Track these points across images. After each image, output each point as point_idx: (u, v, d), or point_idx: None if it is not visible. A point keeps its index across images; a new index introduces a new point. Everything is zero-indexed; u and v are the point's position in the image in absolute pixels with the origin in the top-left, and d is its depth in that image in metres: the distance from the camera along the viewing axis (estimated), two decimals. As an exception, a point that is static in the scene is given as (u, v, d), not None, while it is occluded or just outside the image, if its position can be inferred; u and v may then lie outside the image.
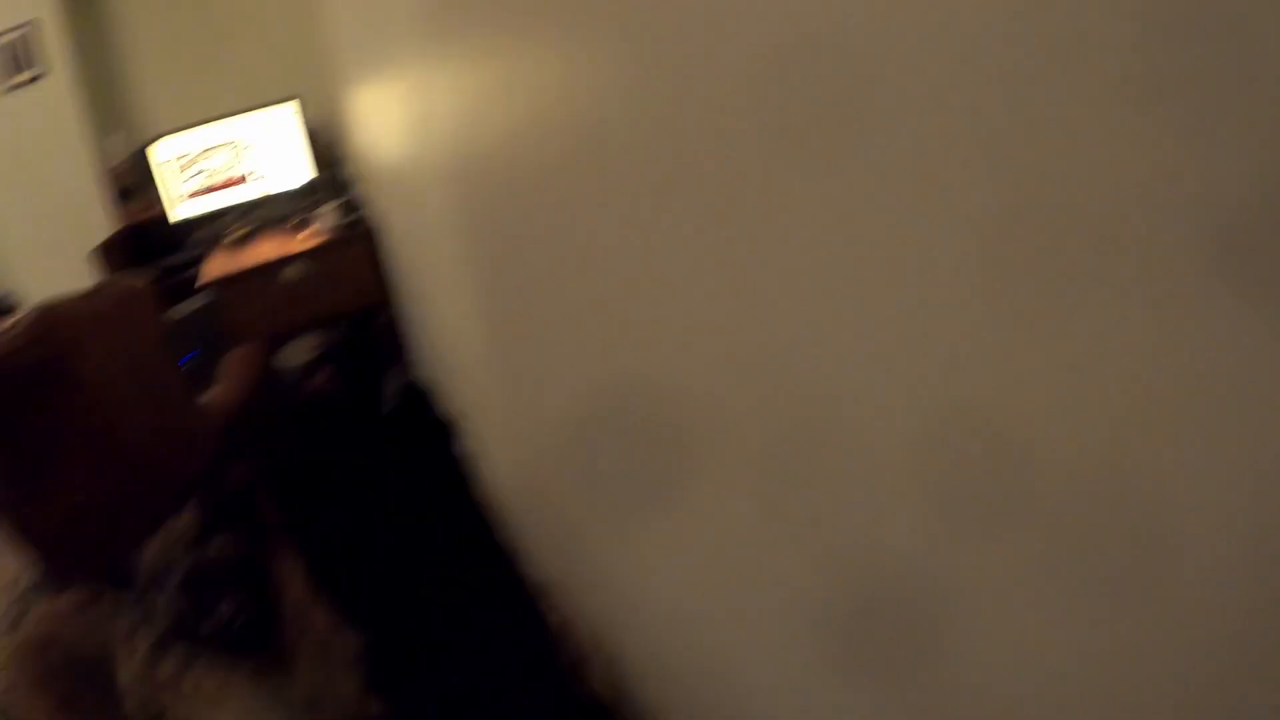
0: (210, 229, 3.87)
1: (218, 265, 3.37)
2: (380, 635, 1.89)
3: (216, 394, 2.69)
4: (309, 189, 3.79)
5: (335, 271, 3.26)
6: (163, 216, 4.26)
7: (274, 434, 3.09)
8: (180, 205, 3.92)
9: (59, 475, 2.25)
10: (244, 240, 3.60)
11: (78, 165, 4.43)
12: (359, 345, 3.67)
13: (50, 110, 4.40)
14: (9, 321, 1.97)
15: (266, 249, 3.40)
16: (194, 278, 3.55)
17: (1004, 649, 0.71)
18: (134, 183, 4.37)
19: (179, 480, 2.37)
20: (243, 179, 3.83)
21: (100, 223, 4.42)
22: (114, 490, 2.27)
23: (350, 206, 3.36)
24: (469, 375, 2.31)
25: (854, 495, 0.81)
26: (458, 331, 2.27)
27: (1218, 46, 0.48)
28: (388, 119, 2.65)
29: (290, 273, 3.20)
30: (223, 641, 1.50)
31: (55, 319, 2.00)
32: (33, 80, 4.40)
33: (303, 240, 3.32)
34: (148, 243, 4.39)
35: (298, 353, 3.91)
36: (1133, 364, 0.57)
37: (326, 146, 4.08)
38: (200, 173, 3.84)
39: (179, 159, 3.84)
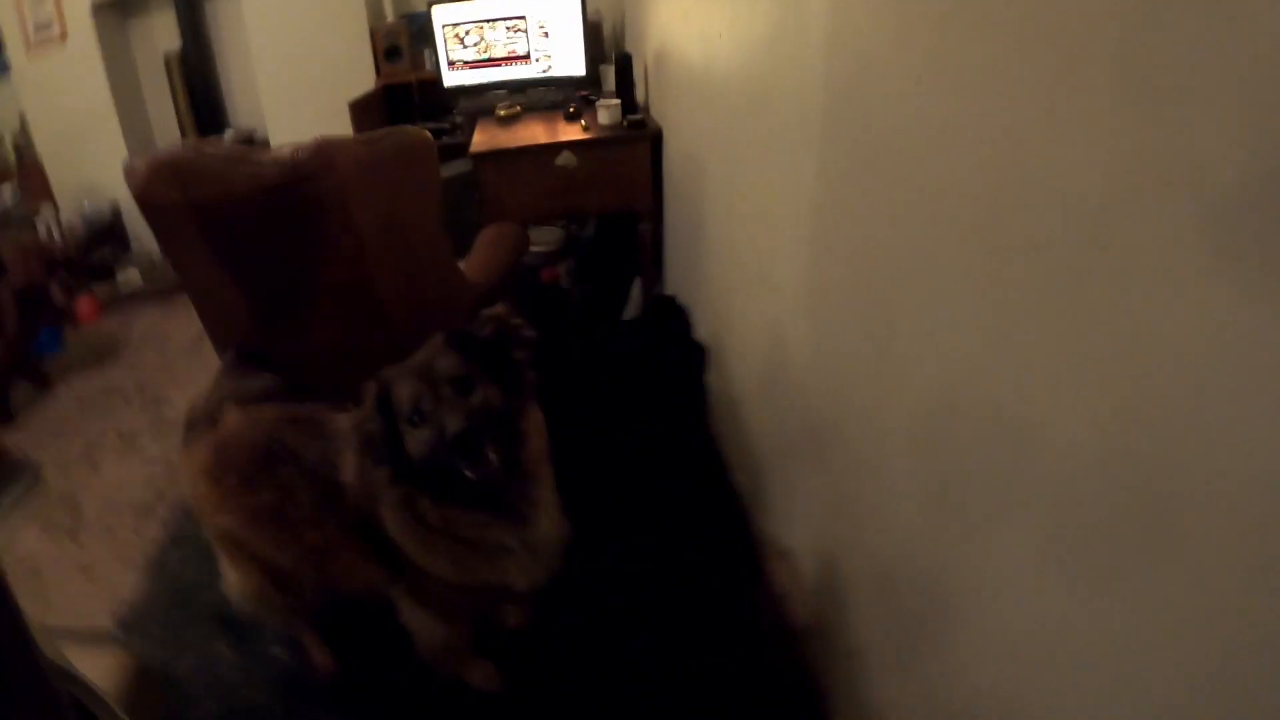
0: (477, 101, 3.76)
1: (485, 138, 3.25)
2: (586, 526, 1.80)
3: (473, 267, 2.57)
4: (586, 80, 3.62)
5: (605, 169, 3.09)
6: (427, 80, 4.20)
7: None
8: (450, 72, 3.82)
9: (311, 310, 2.19)
10: (512, 119, 3.47)
11: (347, 18, 4.41)
12: (610, 246, 3.50)
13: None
14: (286, 147, 1.91)
15: (535, 132, 3.25)
16: (454, 145, 3.45)
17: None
18: (401, 43, 4.32)
19: (419, 342, 2.28)
20: (519, 58, 3.69)
21: (361, 78, 4.40)
22: (360, 339, 2.20)
23: (629, 105, 3.16)
24: (755, 310, 2.10)
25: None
26: (751, 263, 2.06)
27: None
28: (691, 21, 2.45)
29: (561, 161, 3.03)
30: (480, 484, 1.44)
31: (336, 153, 1.91)
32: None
33: (575, 131, 3.14)
34: (406, 104, 4.36)
35: (540, 238, 3.80)
36: None
37: (610, 39, 3.90)
38: (477, 43, 3.72)
39: (456, 26, 3.73)
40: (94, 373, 4.24)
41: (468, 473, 1.40)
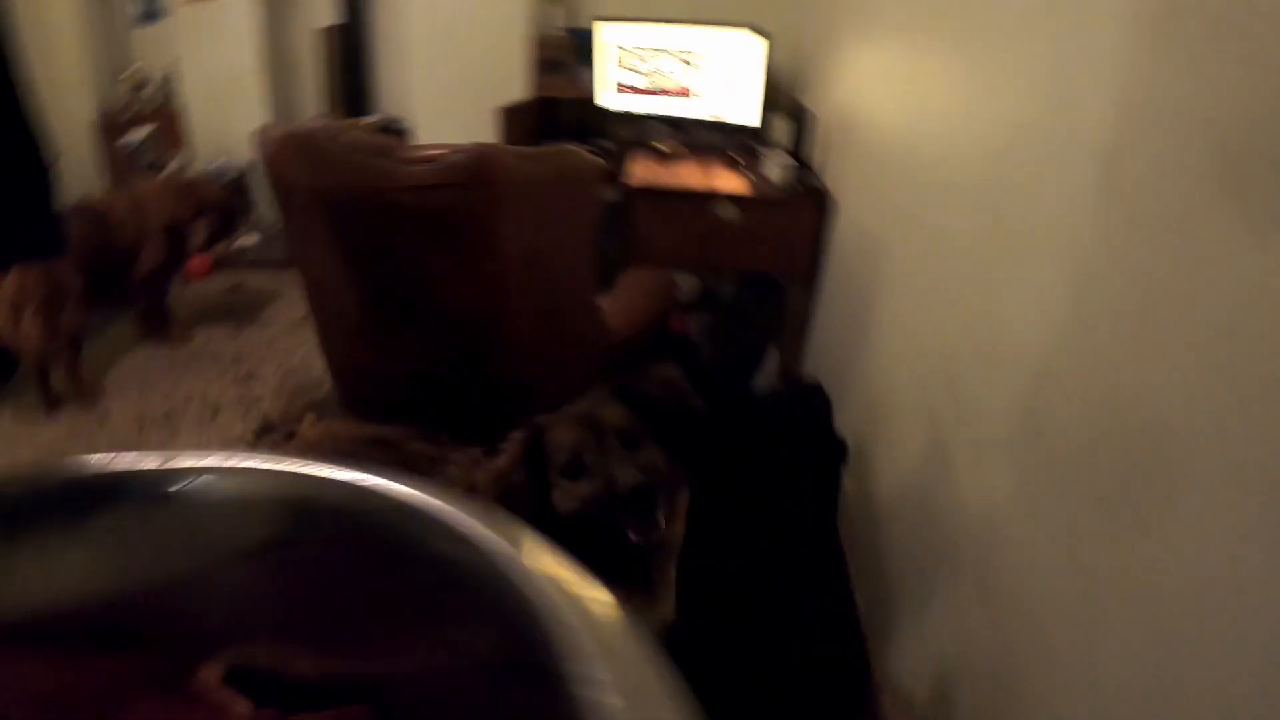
0: (632, 130, 3.57)
1: (644, 173, 3.04)
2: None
3: (615, 312, 2.35)
4: (753, 129, 3.39)
5: (765, 226, 2.86)
6: (581, 99, 4.03)
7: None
8: (608, 94, 3.63)
9: (425, 328, 1.99)
10: (668, 156, 3.25)
11: (510, 21, 4.27)
12: (751, 307, 3.26)
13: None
14: (437, 147, 1.72)
15: (693, 175, 3.03)
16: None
17: None
18: (560, 58, 4.16)
19: (545, 387, 2.06)
20: (684, 92, 3.48)
21: (514, 85, 4.25)
22: (472, 369, 1.99)
23: (800, 164, 2.91)
24: (923, 423, 1.84)
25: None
26: (933, 372, 1.80)
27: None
28: (894, 91, 2.22)
29: (722, 211, 2.80)
30: (633, 551, 1.28)
31: (495, 164, 1.70)
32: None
33: (737, 180, 2.91)
34: (556, 119, 4.19)
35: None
36: None
37: (784, 91, 3.68)
38: (641, 70, 3.53)
39: (623, 48, 3.54)
40: (192, 332, 4.12)
41: (631, 535, 1.23)
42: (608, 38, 3.57)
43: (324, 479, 0.53)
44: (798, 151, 2.98)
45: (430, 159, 1.67)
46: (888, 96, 2.28)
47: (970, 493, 1.56)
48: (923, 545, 1.83)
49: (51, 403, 3.49)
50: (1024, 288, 1.38)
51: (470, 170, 1.66)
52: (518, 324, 1.92)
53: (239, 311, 4.32)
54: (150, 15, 5.03)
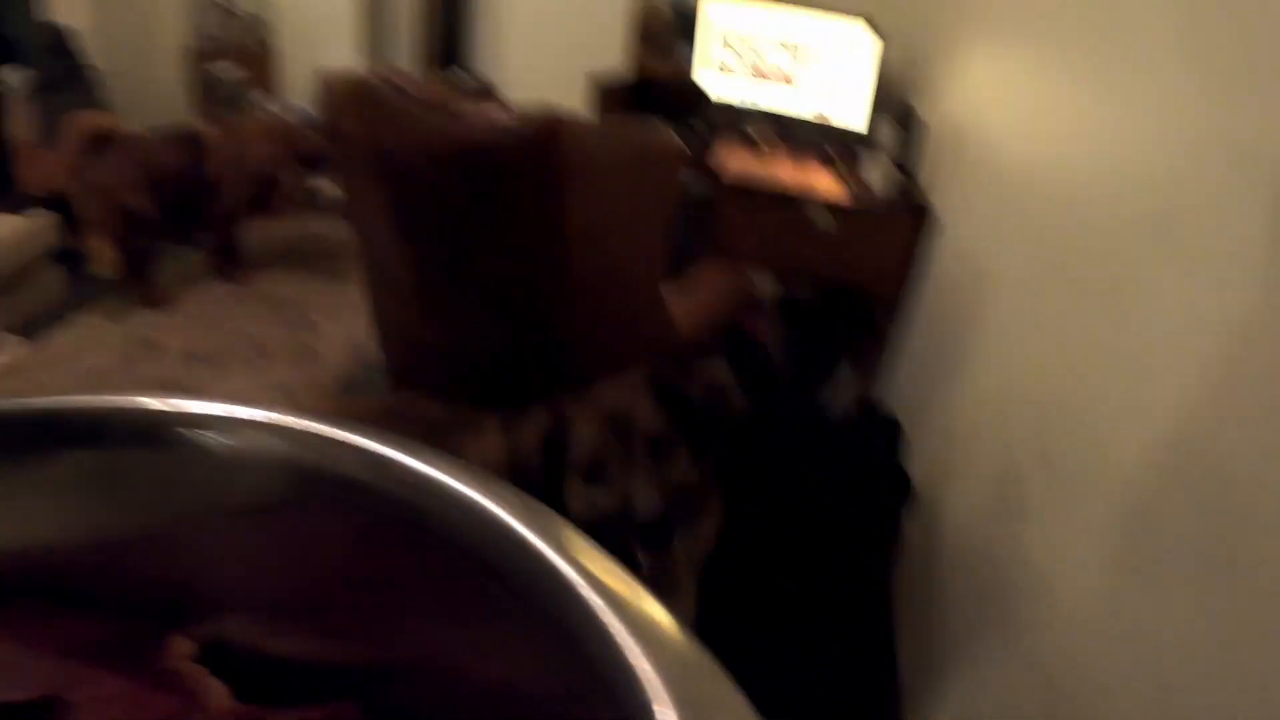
0: (728, 115, 3.36)
1: (736, 165, 2.84)
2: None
3: (683, 309, 2.18)
4: (859, 131, 3.16)
5: (857, 236, 2.66)
6: (678, 77, 3.83)
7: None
8: (706, 75, 3.43)
9: (473, 297, 1.85)
10: (764, 149, 3.05)
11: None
12: (831, 317, 3.05)
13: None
14: (503, 107, 1.58)
15: (787, 172, 2.83)
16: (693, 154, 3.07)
17: None
18: (661, 33, 3.96)
19: (596, 378, 1.91)
20: (786, 81, 3.26)
21: (611, 57, 4.07)
22: (518, 347, 1.84)
23: (903, 173, 2.68)
24: (1003, 477, 1.64)
25: None
26: (1025, 422, 1.60)
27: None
28: (1021, 106, 2.00)
29: (814, 215, 2.60)
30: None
31: (565, 132, 1.53)
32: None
33: (834, 184, 2.70)
34: (650, 96, 4.00)
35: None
36: None
37: (895, 92, 3.43)
38: (744, 54, 3.32)
39: (726, 29, 3.33)
40: (256, 273, 4.11)
41: (641, 559, 1.12)
42: (713, 16, 3.36)
43: (339, 442, 0.45)
44: (902, 161, 2.74)
45: (493, 120, 1.52)
46: (1012, 113, 2.06)
47: (1040, 559, 1.42)
48: (978, 602, 1.69)
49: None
50: (1155, 352, 1.19)
51: (533, 135, 1.50)
52: (572, 307, 1.77)
53: (308, 258, 4.26)
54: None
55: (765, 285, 3.41)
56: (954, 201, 2.46)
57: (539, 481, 1.17)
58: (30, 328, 3.71)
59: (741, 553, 2.19)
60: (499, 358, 1.90)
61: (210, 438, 0.48)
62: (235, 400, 0.49)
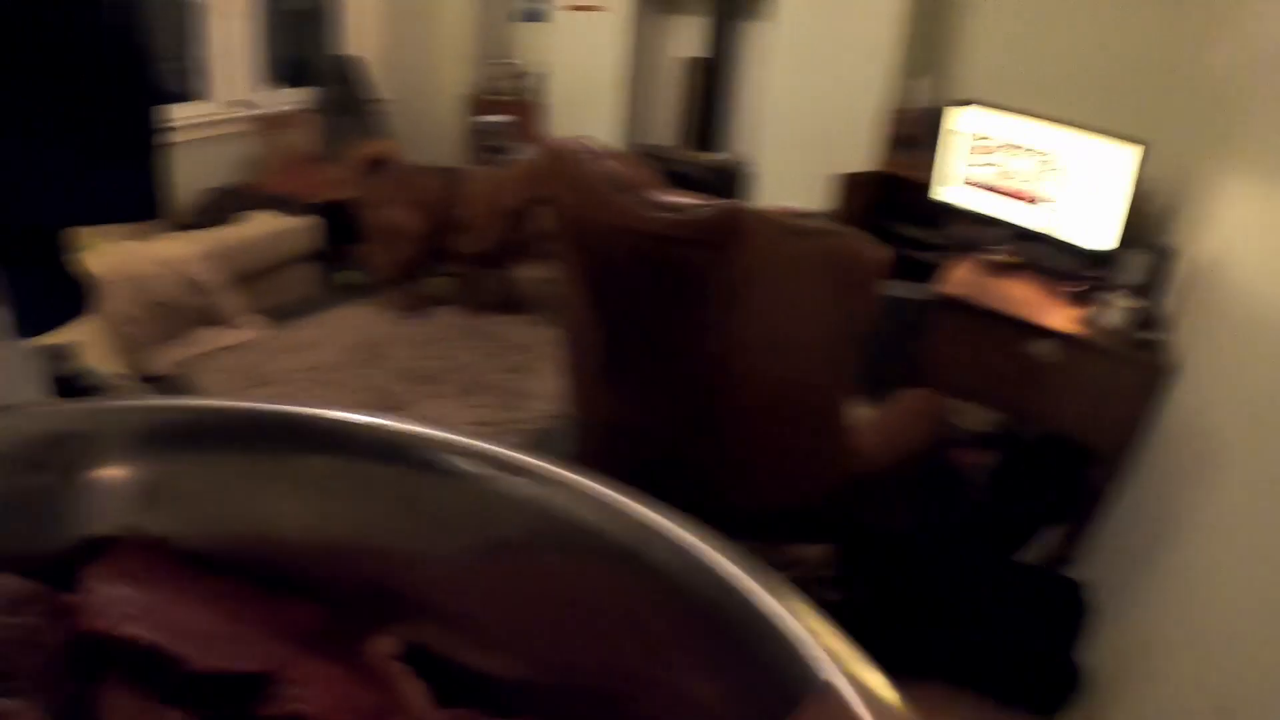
0: (968, 231, 3.21)
1: (965, 280, 2.69)
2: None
3: (872, 433, 2.04)
4: (1102, 258, 2.93)
5: (1081, 378, 2.40)
6: (920, 182, 3.73)
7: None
8: (949, 186, 3.31)
9: (643, 383, 1.81)
10: (1006, 269, 2.87)
11: (870, 90, 4.04)
12: (1043, 466, 2.80)
13: (871, 28, 4.05)
14: (689, 199, 1.51)
15: (1020, 297, 2.64)
16: (925, 264, 2.92)
17: None
18: (913, 134, 3.87)
19: (765, 490, 1.80)
20: (1030, 198, 3.08)
21: (857, 155, 4.02)
22: (690, 456, 1.76)
23: (1147, 313, 2.44)
24: None
25: None
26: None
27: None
28: None
29: (1040, 351, 2.40)
30: None
31: (748, 230, 1.45)
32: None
33: (1067, 318, 2.49)
34: (894, 200, 3.92)
35: (972, 414, 3.19)
36: None
37: (1147, 223, 3.17)
38: (992, 166, 3.17)
39: (975, 137, 3.20)
40: (491, 312, 4.30)
41: None
42: (961, 125, 3.24)
43: (579, 491, 0.48)
44: (1147, 299, 2.48)
45: (676, 208, 1.49)
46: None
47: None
48: None
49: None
50: None
51: (713, 229, 1.45)
52: (741, 415, 1.68)
53: (544, 303, 4.39)
54: (533, 15, 5.36)
55: (972, 419, 3.20)
56: (1198, 349, 2.17)
57: None
58: (277, 314, 4.08)
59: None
60: (670, 457, 1.83)
61: (455, 464, 0.50)
62: (470, 433, 0.51)
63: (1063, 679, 2.02)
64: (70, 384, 2.00)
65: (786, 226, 1.54)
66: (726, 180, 4.70)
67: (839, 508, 1.94)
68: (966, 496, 2.89)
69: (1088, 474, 2.47)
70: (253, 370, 3.60)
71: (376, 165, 4.12)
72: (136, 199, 1.18)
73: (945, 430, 2.21)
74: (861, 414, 2.07)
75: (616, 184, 1.59)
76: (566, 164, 1.67)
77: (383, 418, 0.53)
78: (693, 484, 1.69)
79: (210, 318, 3.82)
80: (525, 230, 3.90)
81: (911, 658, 2.08)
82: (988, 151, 3.19)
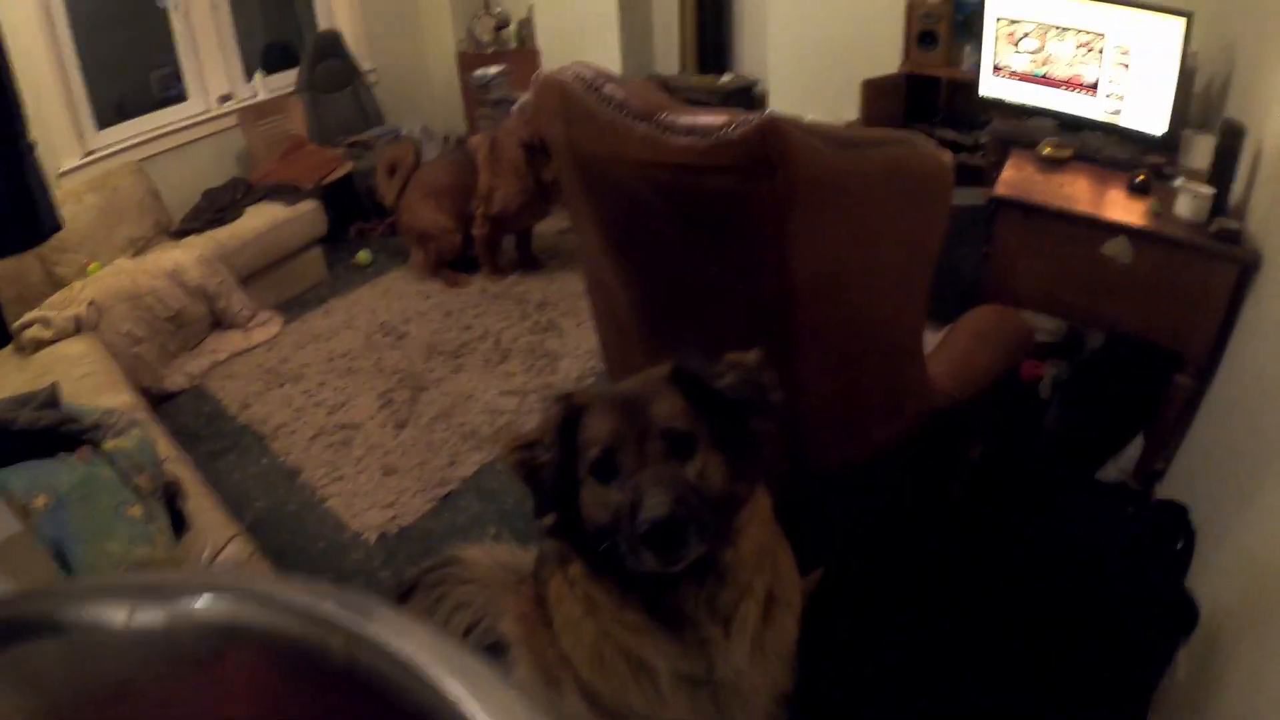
0: (1014, 126, 2.94)
1: (1017, 179, 2.44)
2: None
3: (944, 363, 1.83)
4: (1160, 142, 2.65)
5: (1161, 279, 2.16)
6: (959, 81, 3.45)
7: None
8: (992, 78, 3.02)
9: (699, 334, 1.60)
10: (1058, 163, 2.60)
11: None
12: (1122, 374, 2.56)
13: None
14: (717, 115, 1.26)
15: (1082, 192, 2.39)
16: (972, 167, 2.65)
17: None
18: (939, 29, 3.58)
19: (838, 442, 1.59)
20: (1084, 86, 2.80)
21: (884, 56, 3.74)
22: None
23: (1221, 202, 2.16)
24: None
25: None
26: None
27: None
28: None
29: (1111, 250, 2.16)
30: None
31: (792, 148, 1.21)
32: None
33: (1138, 212, 2.24)
34: (930, 102, 3.64)
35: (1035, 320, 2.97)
36: None
37: (1204, 96, 2.88)
38: (1035, 51, 2.88)
39: (1014, 23, 2.91)
40: (516, 272, 4.14)
41: (650, 563, 1.02)
42: (997, 10, 2.95)
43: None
44: (1222, 184, 2.20)
45: (703, 129, 1.24)
46: None
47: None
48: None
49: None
50: None
51: (751, 151, 1.20)
52: (804, 364, 1.47)
53: (563, 256, 4.21)
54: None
55: (1049, 328, 2.96)
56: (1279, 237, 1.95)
57: (553, 477, 1.08)
58: (292, 307, 3.95)
59: (964, 632, 1.85)
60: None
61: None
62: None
63: (1179, 613, 1.82)
64: (53, 434, 1.85)
65: (837, 138, 1.32)
66: (739, 102, 4.43)
67: (914, 450, 1.74)
68: (1038, 413, 2.69)
69: (1171, 381, 2.24)
70: (275, 370, 3.48)
71: (393, 171, 4.09)
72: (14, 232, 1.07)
73: (1024, 348, 1.98)
74: (928, 340, 1.87)
75: (627, 111, 1.36)
76: (566, 98, 1.45)
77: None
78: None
79: (223, 323, 3.69)
80: (546, 178, 3.70)
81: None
82: (1022, 38, 2.90)
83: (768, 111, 1.22)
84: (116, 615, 0.49)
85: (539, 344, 3.50)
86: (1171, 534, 2.02)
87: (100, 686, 0.51)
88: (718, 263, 1.44)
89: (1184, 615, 1.81)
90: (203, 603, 0.48)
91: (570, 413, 1.10)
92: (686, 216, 1.40)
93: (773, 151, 1.19)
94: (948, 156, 1.44)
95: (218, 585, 0.49)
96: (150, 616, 0.49)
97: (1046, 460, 2.52)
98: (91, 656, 0.50)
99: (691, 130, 1.24)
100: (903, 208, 1.41)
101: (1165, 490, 2.32)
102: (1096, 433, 2.52)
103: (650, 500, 0.97)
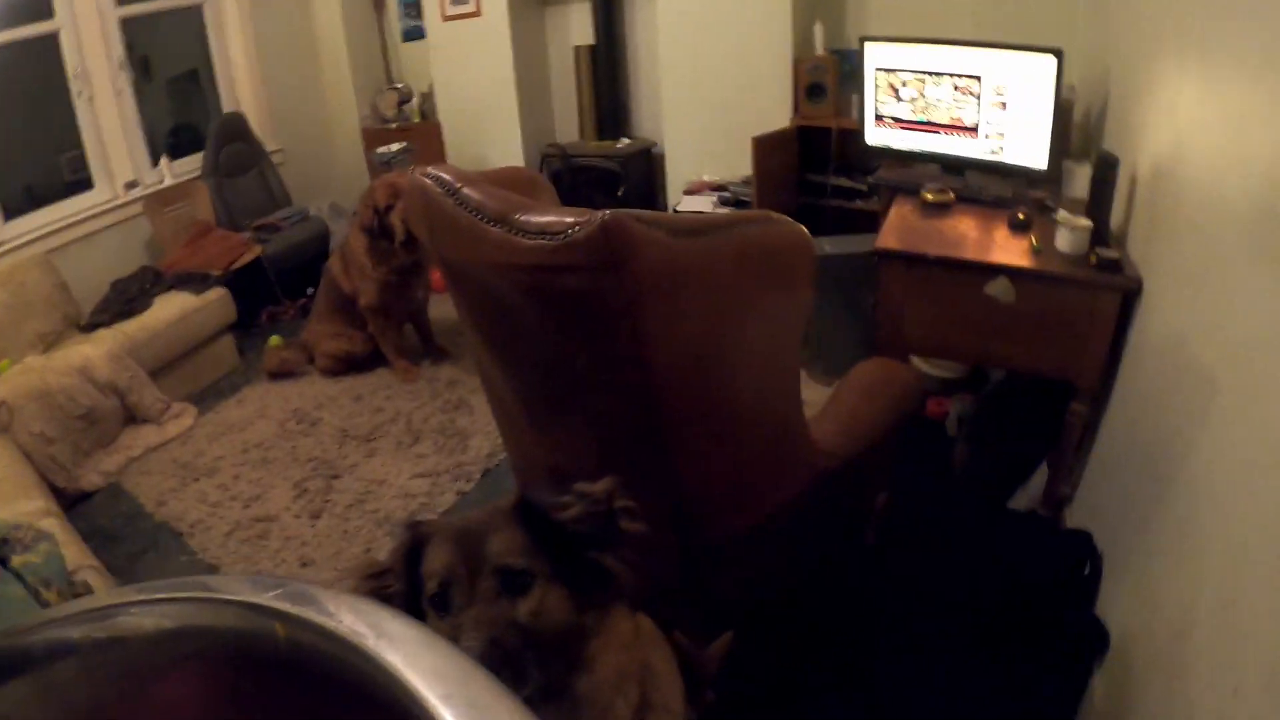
0: (902, 173, 2.97)
1: (900, 227, 2.45)
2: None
3: (831, 420, 1.81)
4: (1043, 177, 2.70)
5: (1047, 314, 2.17)
6: (850, 130, 3.48)
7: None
8: (875, 130, 3.06)
9: (579, 426, 1.58)
10: (940, 207, 2.63)
11: (770, 42, 3.81)
12: (1021, 407, 2.57)
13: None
14: (562, 217, 1.23)
15: (966, 233, 2.41)
16: (868, 213, 2.65)
17: None
18: (827, 82, 3.64)
19: (721, 515, 1.55)
20: (964, 129, 2.85)
21: (774, 112, 3.78)
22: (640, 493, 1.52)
23: (1100, 232, 2.19)
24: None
25: None
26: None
27: None
28: (1248, 132, 1.46)
29: (994, 290, 2.17)
30: None
31: (635, 243, 1.18)
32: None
33: (1019, 249, 2.26)
34: (815, 152, 3.67)
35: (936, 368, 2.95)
36: None
37: (1082, 128, 2.95)
38: (914, 99, 2.93)
39: (891, 72, 2.95)
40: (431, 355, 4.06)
41: None
42: (875, 61, 3.00)
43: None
44: (1100, 214, 2.23)
45: (551, 230, 1.21)
46: (1231, 145, 1.57)
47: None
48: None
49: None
50: None
51: (594, 250, 1.18)
52: (679, 446, 1.43)
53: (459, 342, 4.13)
54: (414, 33, 5.07)
55: (953, 365, 2.98)
56: (1159, 260, 1.95)
57: (402, 606, 1.03)
58: (205, 397, 3.83)
59: (889, 671, 1.81)
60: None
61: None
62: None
63: (1090, 639, 1.81)
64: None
65: (683, 227, 1.28)
66: (638, 164, 4.45)
67: (809, 511, 1.70)
68: (947, 450, 2.69)
69: (1068, 410, 2.25)
70: (190, 464, 3.34)
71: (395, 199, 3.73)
72: None
73: (912, 396, 1.95)
74: (817, 398, 1.84)
75: (482, 215, 1.33)
76: (428, 202, 1.41)
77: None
78: (652, 522, 1.45)
79: (136, 417, 3.55)
80: (396, 263, 3.61)
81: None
82: (900, 86, 2.95)
83: (609, 212, 1.19)
84: (73, 634, 0.51)
85: (450, 423, 3.42)
86: (1079, 560, 2.02)
87: (73, 715, 0.53)
88: (585, 355, 1.40)
89: (1095, 640, 1.80)
90: (150, 613, 0.51)
91: (415, 542, 1.06)
92: (548, 314, 1.38)
93: (616, 248, 1.18)
94: (801, 232, 1.42)
95: (159, 593, 0.52)
96: (104, 631, 0.51)
97: (956, 496, 2.52)
98: (60, 687, 0.52)
99: (542, 231, 1.22)
100: (762, 285, 1.38)
101: (1074, 515, 2.32)
102: (1003, 464, 2.52)
103: (465, 643, 0.93)
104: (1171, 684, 1.42)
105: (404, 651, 0.41)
